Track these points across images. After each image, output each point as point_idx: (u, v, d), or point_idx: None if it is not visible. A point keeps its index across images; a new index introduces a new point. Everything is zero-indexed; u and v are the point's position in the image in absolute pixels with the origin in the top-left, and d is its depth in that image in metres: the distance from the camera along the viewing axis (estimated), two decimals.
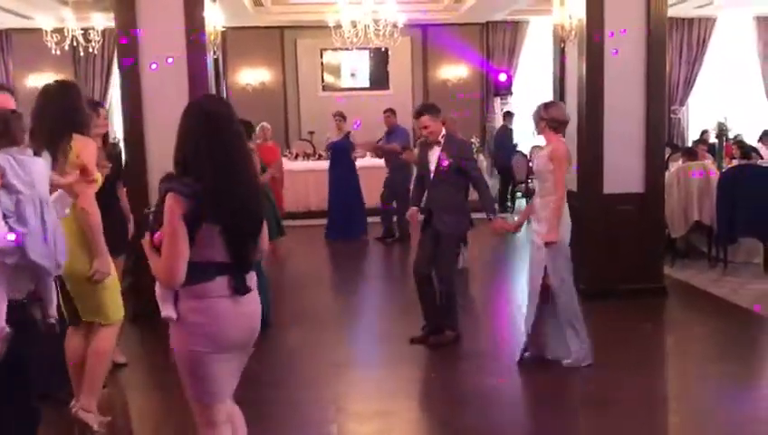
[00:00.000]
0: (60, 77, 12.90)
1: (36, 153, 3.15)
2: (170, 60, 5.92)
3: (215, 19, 6.47)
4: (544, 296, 4.83)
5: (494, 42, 14.21)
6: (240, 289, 2.61)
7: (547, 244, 4.70)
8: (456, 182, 5.30)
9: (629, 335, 5.62)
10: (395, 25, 10.04)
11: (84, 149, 3.56)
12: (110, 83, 13.27)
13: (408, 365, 5.16)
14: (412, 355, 5.31)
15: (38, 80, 12.91)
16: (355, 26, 10.06)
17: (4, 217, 2.85)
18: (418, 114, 5.37)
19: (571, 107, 6.73)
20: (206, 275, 2.55)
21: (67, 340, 3.90)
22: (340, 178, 9.95)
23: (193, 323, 2.57)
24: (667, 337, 6.00)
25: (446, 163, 5.22)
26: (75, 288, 3.71)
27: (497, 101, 14.17)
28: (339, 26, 10.01)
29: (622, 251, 6.41)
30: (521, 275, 8.18)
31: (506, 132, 12.75)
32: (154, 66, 5.90)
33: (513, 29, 14.13)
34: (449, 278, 5.36)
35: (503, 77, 13.95)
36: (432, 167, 5.33)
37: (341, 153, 9.94)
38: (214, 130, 2.56)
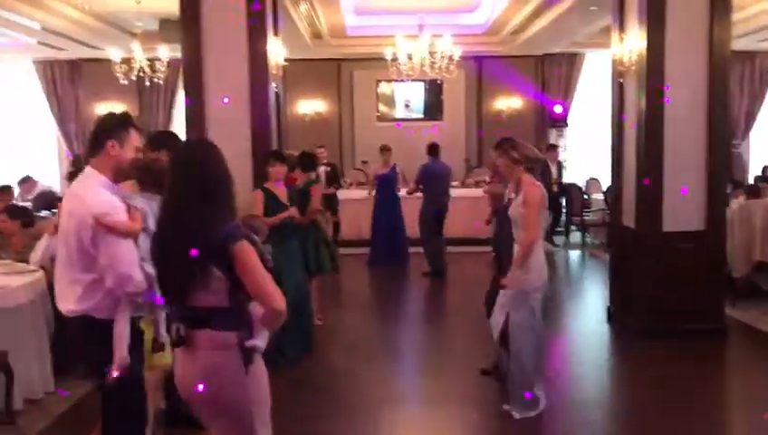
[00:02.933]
0: (125, 106, 13.49)
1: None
2: (226, 100, 6.10)
3: (277, 52, 6.63)
4: (505, 341, 4.63)
5: (551, 74, 14.19)
6: (175, 342, 2.57)
7: (503, 286, 4.52)
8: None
9: (686, 377, 5.47)
10: (451, 58, 10.13)
11: None
12: (173, 113, 13.71)
13: (454, 403, 5.11)
14: (459, 392, 5.28)
15: (105, 108, 13.44)
16: (411, 59, 10.19)
17: (141, 259, 2.94)
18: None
19: (630, 141, 6.67)
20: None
21: None
22: (385, 208, 10.17)
23: None
24: (724, 380, 5.81)
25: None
26: None
27: (553, 132, 14.10)
28: (395, 59, 10.15)
29: (681, 290, 6.26)
30: (576, 313, 8.08)
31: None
32: (226, 100, 6.07)
33: (570, 61, 14.09)
34: None
35: (558, 109, 13.90)
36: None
37: (387, 185, 10.14)
38: (172, 174, 2.60)
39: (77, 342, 3.11)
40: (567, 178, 12.84)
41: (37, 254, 5.34)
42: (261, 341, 2.59)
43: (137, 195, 3.08)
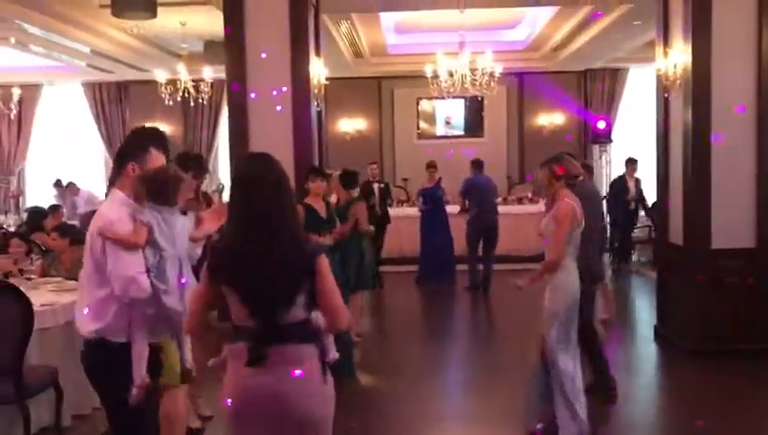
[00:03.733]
0: (171, 126, 13.78)
1: (183, 211, 3.23)
2: (275, 93, 6.18)
3: (318, 72, 6.71)
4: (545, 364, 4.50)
5: (593, 89, 14.07)
6: (252, 360, 2.46)
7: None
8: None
9: (738, 398, 5.29)
10: (491, 74, 10.10)
11: None
12: (216, 133, 13.95)
13: (496, 422, 5.04)
14: (501, 411, 5.20)
15: None
16: (452, 76, 10.19)
17: (148, 271, 2.97)
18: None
19: (677, 157, 6.55)
20: (234, 337, 2.53)
21: None
22: (432, 224, 10.10)
23: (225, 385, 2.57)
24: None
25: None
26: None
27: (596, 148, 13.93)
28: (436, 76, 10.16)
29: (731, 308, 6.09)
30: (622, 332, 7.92)
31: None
32: (275, 93, 6.18)
33: (613, 76, 13.94)
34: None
35: (601, 124, 13.73)
36: None
37: (432, 200, 10.08)
38: (237, 192, 2.57)
39: (95, 367, 3.09)
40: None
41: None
42: (333, 352, 2.63)
43: (145, 207, 3.06)
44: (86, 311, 3.00)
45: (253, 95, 6.27)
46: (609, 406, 5.08)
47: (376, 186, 10.23)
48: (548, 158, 4.49)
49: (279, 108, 6.22)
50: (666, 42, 6.64)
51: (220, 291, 2.54)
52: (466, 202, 9.62)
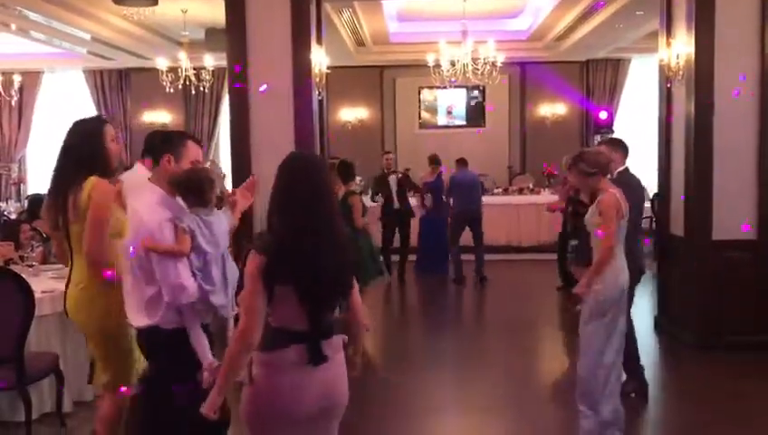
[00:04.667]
0: (172, 114, 13.74)
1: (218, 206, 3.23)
2: (263, 87, 6.15)
3: (320, 61, 6.68)
4: None
5: (595, 79, 14.02)
6: (314, 359, 2.47)
7: (577, 295, 4.20)
8: None
9: (741, 392, 5.29)
10: (494, 64, 10.08)
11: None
12: (218, 121, 13.92)
13: (509, 410, 5.07)
14: (512, 400, 5.23)
15: (152, 116, 13.74)
16: (454, 65, 10.17)
17: (194, 274, 2.98)
18: None
19: (678, 148, 6.54)
20: (280, 342, 2.46)
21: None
22: (431, 216, 10.10)
23: (266, 392, 2.47)
24: None
25: None
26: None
27: (597, 138, 13.89)
28: (438, 65, 10.14)
29: (733, 301, 6.10)
30: None
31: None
32: (263, 88, 6.15)
33: (615, 67, 13.90)
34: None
35: (603, 115, 13.70)
36: None
37: (434, 193, 10.08)
38: (289, 187, 2.50)
39: (145, 352, 3.17)
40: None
41: None
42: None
43: (187, 213, 3.04)
44: (140, 307, 3.04)
45: (253, 84, 6.24)
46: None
47: (393, 177, 9.89)
48: (572, 157, 4.34)
49: (280, 97, 6.19)
50: (669, 32, 6.61)
51: (269, 297, 2.44)
52: (451, 200, 9.79)
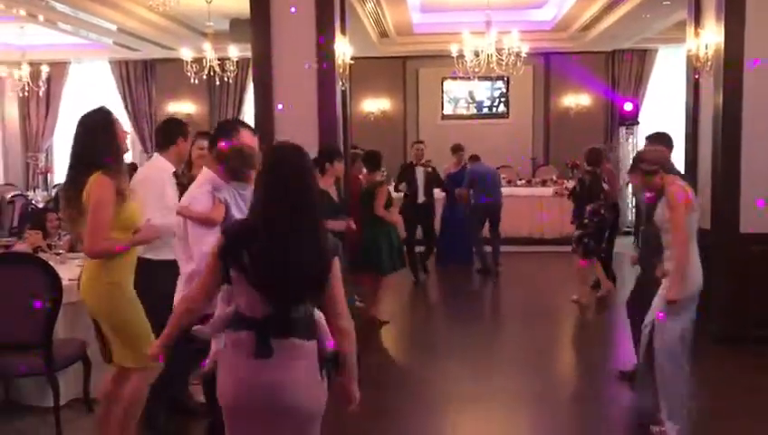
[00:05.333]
0: (196, 105, 13.81)
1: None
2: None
3: (344, 51, 6.68)
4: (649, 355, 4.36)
5: (621, 70, 13.87)
6: (258, 350, 2.42)
7: (668, 302, 4.12)
8: None
9: (762, 384, 5.25)
10: (518, 55, 9.99)
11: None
12: (242, 111, 13.98)
13: (529, 403, 5.06)
14: (533, 393, 5.21)
15: (177, 106, 13.84)
16: (478, 56, 10.09)
17: None
18: None
19: (706, 141, 6.45)
20: (236, 324, 2.48)
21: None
22: (453, 207, 10.11)
23: (220, 374, 2.53)
24: None
25: None
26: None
27: (622, 130, 13.76)
28: (461, 56, 10.07)
29: (760, 294, 6.02)
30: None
31: None
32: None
33: (641, 57, 13.73)
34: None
35: (628, 106, 13.54)
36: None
37: (457, 184, 10.05)
38: (260, 177, 2.54)
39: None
40: None
41: None
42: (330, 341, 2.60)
43: (226, 186, 3.24)
44: (179, 284, 3.26)
45: (278, 74, 6.26)
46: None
47: (420, 169, 9.49)
48: (633, 160, 4.38)
49: (304, 87, 6.19)
50: (697, 22, 6.52)
51: (224, 277, 2.49)
52: (470, 192, 9.80)
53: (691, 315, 4.19)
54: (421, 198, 9.45)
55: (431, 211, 9.67)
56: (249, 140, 3.30)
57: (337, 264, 2.52)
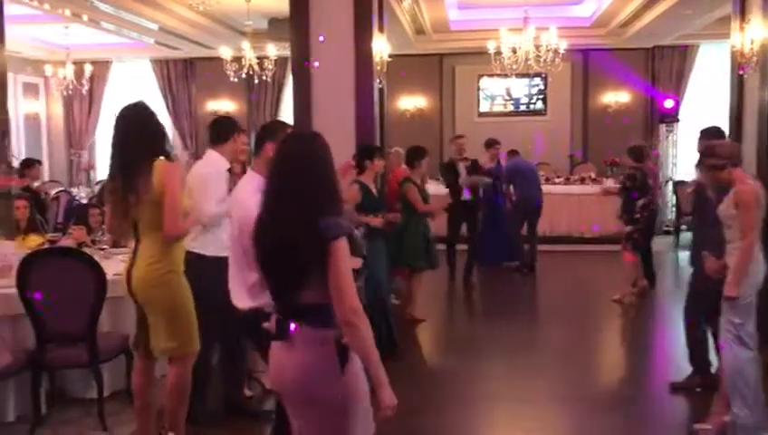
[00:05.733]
0: (235, 103, 13.97)
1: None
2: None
3: (381, 49, 6.70)
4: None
5: (661, 67, 13.64)
6: (276, 334, 2.54)
7: (726, 298, 4.04)
8: None
9: None
10: (556, 51, 9.90)
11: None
12: (280, 109, 14.10)
13: (561, 404, 5.04)
14: (567, 393, 5.18)
15: (216, 105, 14.02)
16: (515, 53, 10.02)
17: None
18: None
19: (750, 139, 6.33)
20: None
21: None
22: (492, 203, 9.91)
23: None
24: None
25: None
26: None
27: (662, 127, 13.54)
28: (499, 53, 10.02)
29: None
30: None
31: None
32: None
33: (682, 54, 13.50)
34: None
35: (669, 103, 13.30)
36: None
37: (493, 180, 9.80)
38: (273, 168, 2.59)
39: (248, 333, 3.36)
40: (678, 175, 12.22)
41: None
42: None
43: None
44: (245, 291, 3.23)
45: (316, 72, 6.31)
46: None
47: (462, 165, 8.91)
48: (700, 154, 4.26)
49: (342, 85, 6.24)
50: (742, 16, 6.39)
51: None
52: (511, 187, 9.72)
53: (752, 315, 4.07)
54: (465, 196, 8.96)
55: (476, 209, 9.24)
56: None
57: (340, 247, 2.40)
